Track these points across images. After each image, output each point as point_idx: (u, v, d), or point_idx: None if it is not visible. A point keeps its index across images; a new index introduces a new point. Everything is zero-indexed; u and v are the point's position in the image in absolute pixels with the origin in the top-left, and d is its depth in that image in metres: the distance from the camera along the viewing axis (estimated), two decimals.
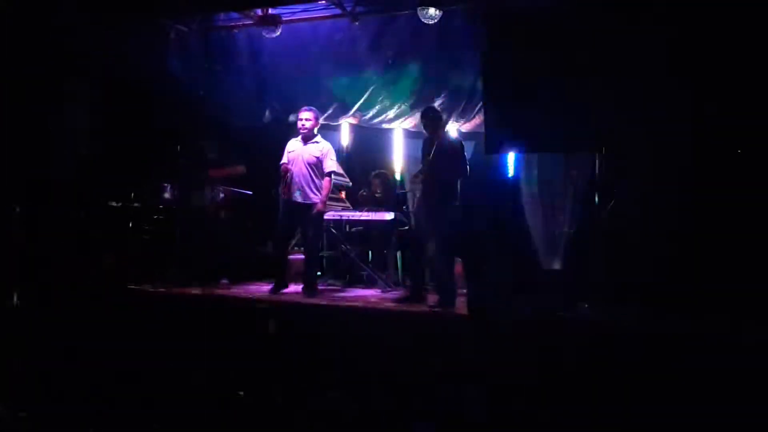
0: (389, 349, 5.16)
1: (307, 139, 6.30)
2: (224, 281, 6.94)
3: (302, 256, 6.58)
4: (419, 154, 6.07)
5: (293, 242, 6.82)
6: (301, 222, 6.31)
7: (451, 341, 5.15)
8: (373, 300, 6.14)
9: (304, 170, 6.21)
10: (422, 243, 5.93)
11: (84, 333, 5.94)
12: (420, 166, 5.97)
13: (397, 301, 5.88)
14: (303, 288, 6.29)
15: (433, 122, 5.87)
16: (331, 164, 6.30)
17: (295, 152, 6.29)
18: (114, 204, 7.11)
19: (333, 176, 6.41)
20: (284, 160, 6.31)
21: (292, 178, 6.15)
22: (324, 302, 6.02)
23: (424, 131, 6.03)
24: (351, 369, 5.09)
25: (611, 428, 4.31)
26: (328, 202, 6.89)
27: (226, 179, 7.06)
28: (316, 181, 6.24)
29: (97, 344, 5.79)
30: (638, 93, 5.24)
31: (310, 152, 6.25)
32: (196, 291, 6.40)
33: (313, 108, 6.41)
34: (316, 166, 6.24)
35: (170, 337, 5.69)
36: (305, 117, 6.26)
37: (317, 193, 6.22)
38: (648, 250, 5.21)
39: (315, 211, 6.20)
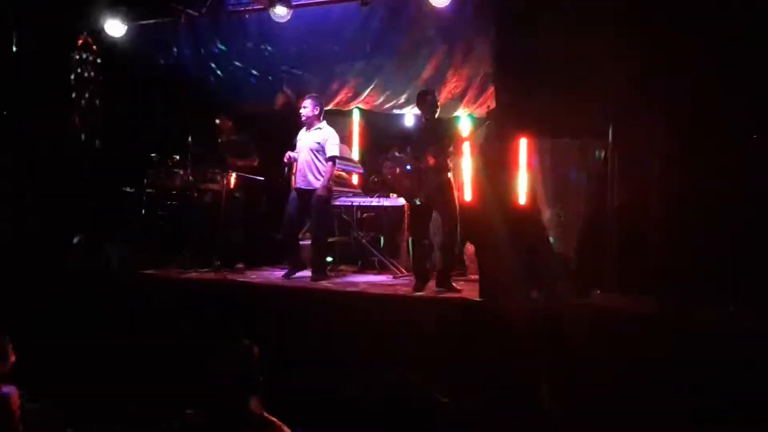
0: (401, 335, 5.21)
1: (310, 126, 6.44)
2: (240, 265, 7.00)
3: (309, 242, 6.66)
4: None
5: (305, 228, 6.85)
6: (306, 208, 6.39)
7: (464, 327, 5.19)
8: (384, 285, 6.20)
9: (308, 157, 6.36)
10: (428, 232, 6.03)
11: (97, 318, 6.03)
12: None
13: (408, 288, 5.88)
14: (312, 273, 6.39)
15: (432, 105, 5.94)
16: (332, 149, 6.41)
17: (302, 141, 6.45)
18: (128, 189, 7.17)
19: (339, 161, 6.57)
20: (295, 149, 6.45)
21: (295, 165, 6.33)
22: (336, 288, 6.07)
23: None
24: (364, 354, 5.14)
25: (623, 416, 4.36)
26: (338, 188, 6.94)
27: (241, 168, 7.09)
28: (319, 166, 6.37)
29: (110, 330, 5.89)
30: (653, 80, 5.21)
31: (313, 139, 6.40)
32: (209, 276, 6.46)
33: (314, 95, 6.54)
34: (319, 152, 6.37)
35: (184, 322, 5.76)
36: (302, 105, 6.43)
37: (320, 178, 6.34)
38: (660, 238, 5.20)
39: (317, 195, 6.29)
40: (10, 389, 3.31)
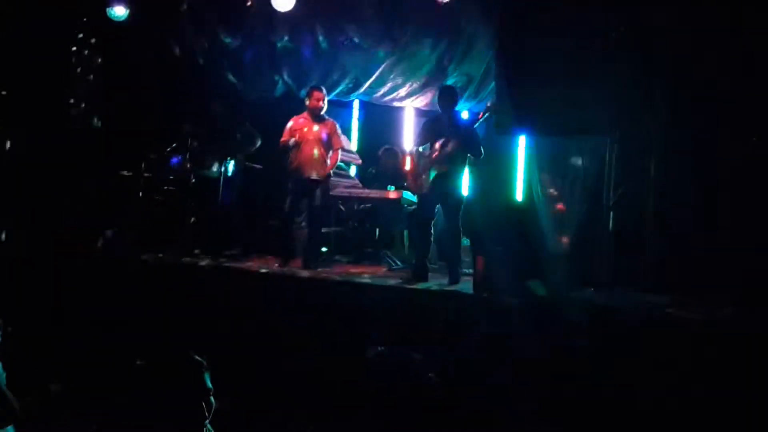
0: (392, 326, 5.24)
1: (318, 117, 6.42)
2: (235, 252, 7.01)
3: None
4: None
5: (302, 218, 6.87)
6: (311, 197, 6.42)
7: (456, 320, 5.22)
8: (378, 276, 6.21)
9: (318, 148, 6.37)
10: (429, 222, 6.03)
11: (93, 303, 6.03)
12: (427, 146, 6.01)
13: (403, 279, 5.92)
14: (303, 261, 6.42)
15: (452, 101, 5.93)
16: (340, 140, 6.58)
17: (306, 130, 6.40)
18: (126, 173, 7.17)
19: (342, 152, 6.63)
20: (291, 137, 6.41)
21: (300, 155, 6.31)
22: (333, 277, 6.10)
23: (438, 110, 6.06)
24: (355, 344, 5.18)
25: (613, 411, 4.40)
26: (336, 179, 6.97)
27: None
28: (326, 157, 6.43)
29: (106, 315, 5.89)
30: (652, 78, 5.23)
31: (322, 130, 6.42)
32: (205, 262, 6.47)
33: (323, 87, 6.57)
34: (327, 143, 6.43)
35: (179, 307, 5.78)
36: (319, 97, 6.42)
37: (326, 168, 6.43)
38: (655, 236, 5.23)
39: (326, 185, 6.42)
40: None
